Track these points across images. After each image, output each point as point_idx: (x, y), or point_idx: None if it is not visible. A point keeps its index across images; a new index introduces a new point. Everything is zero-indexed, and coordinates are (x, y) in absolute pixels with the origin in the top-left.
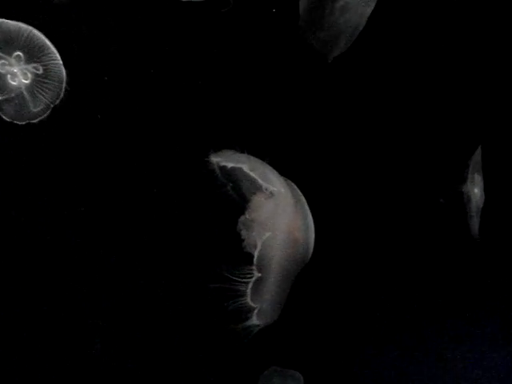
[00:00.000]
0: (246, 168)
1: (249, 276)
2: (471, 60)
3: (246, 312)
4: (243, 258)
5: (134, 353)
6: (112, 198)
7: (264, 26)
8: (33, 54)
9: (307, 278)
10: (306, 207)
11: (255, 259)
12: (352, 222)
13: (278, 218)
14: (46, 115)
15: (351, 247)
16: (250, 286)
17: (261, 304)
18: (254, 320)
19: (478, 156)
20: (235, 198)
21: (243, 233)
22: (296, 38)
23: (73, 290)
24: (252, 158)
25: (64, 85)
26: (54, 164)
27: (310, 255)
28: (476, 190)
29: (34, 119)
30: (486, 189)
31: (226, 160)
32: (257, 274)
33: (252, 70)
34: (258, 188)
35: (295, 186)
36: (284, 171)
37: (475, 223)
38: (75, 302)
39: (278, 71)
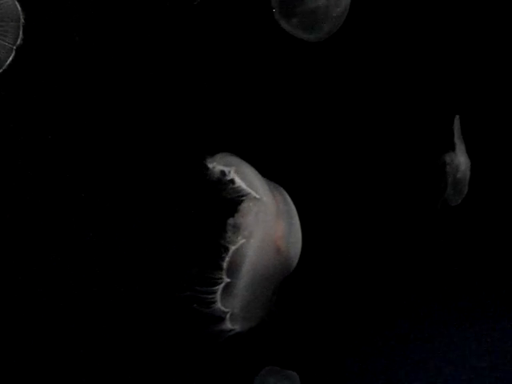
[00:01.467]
0: (232, 172)
1: (220, 281)
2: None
3: (219, 316)
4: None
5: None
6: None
7: (240, 20)
8: None
9: (302, 279)
10: (294, 217)
11: (224, 264)
12: (342, 218)
13: (256, 226)
14: (10, 60)
15: (344, 248)
16: (220, 290)
17: (232, 309)
18: (228, 324)
19: (457, 125)
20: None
21: (228, 236)
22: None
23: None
24: (242, 162)
25: (22, 22)
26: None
27: (294, 263)
28: (462, 159)
29: None
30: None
31: (217, 163)
32: (226, 279)
33: (234, 68)
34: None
35: (286, 195)
36: (277, 178)
37: (462, 192)
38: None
39: (259, 66)
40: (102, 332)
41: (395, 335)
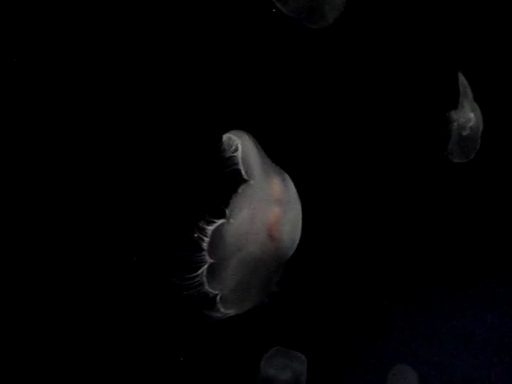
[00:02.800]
0: (238, 143)
1: (203, 262)
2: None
3: (210, 298)
4: None
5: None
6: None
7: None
8: None
9: (308, 262)
10: (293, 204)
11: (205, 244)
12: (345, 194)
13: (238, 207)
14: None
15: (348, 229)
16: (204, 271)
17: (221, 290)
18: (220, 307)
19: (463, 82)
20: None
21: (227, 214)
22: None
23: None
24: (252, 141)
25: None
26: None
27: (291, 249)
28: (471, 115)
29: None
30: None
31: (229, 133)
32: (209, 260)
33: (236, 59)
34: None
35: (289, 183)
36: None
37: (472, 148)
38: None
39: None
40: (97, 328)
41: (402, 314)
